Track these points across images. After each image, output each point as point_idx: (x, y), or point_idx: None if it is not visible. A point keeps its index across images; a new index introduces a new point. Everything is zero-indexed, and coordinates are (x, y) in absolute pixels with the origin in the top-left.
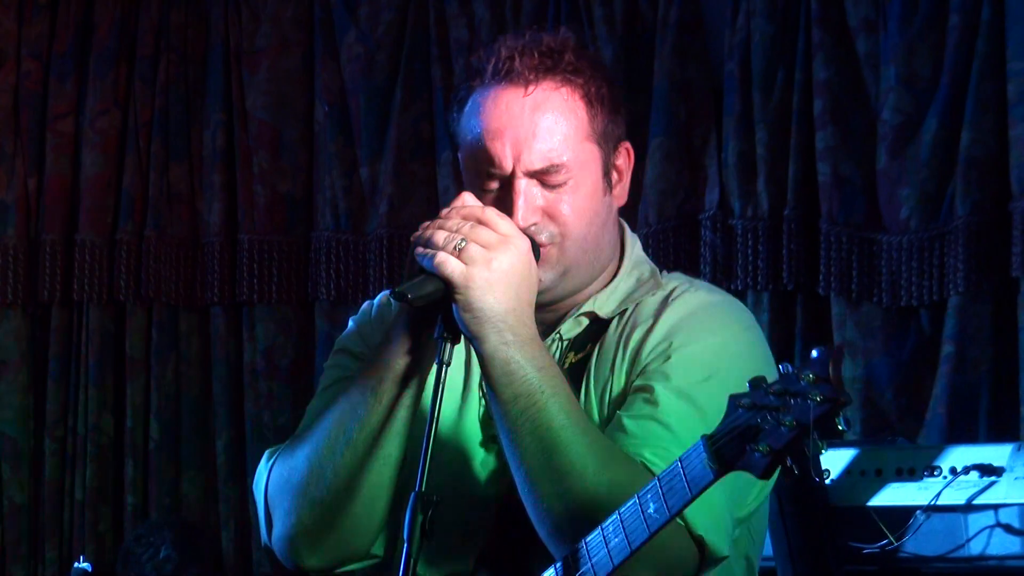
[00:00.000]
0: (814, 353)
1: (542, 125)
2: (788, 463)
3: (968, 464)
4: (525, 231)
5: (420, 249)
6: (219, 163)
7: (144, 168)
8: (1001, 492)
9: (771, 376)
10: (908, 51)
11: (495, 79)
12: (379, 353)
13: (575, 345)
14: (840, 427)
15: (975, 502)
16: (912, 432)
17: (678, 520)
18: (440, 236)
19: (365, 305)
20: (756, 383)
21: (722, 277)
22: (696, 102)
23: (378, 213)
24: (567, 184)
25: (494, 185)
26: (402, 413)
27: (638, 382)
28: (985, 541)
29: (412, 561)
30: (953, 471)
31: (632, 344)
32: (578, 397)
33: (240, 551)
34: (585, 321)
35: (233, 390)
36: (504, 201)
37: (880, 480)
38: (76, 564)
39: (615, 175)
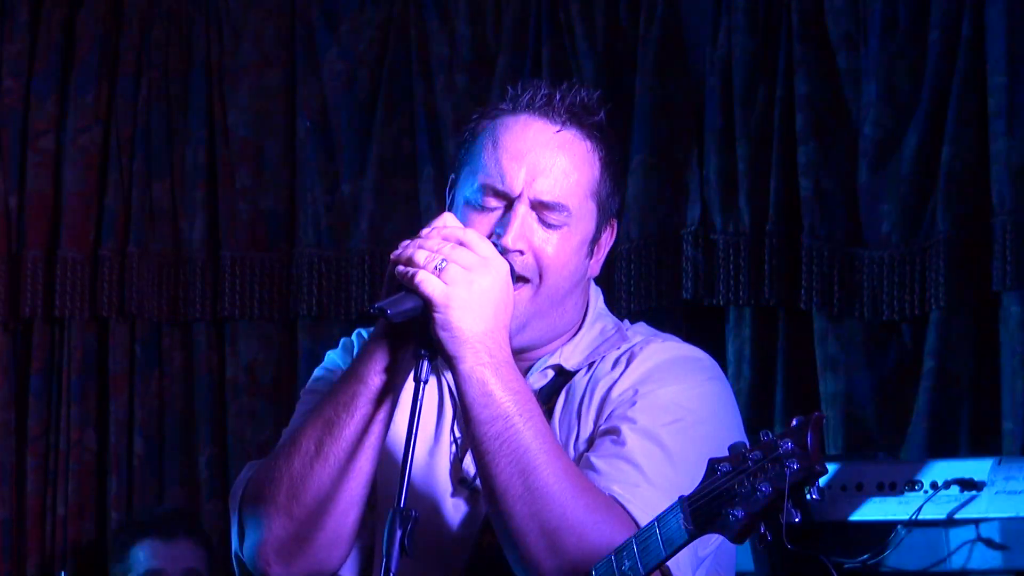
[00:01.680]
0: (793, 421)
1: (562, 163)
2: (762, 529)
3: (949, 479)
4: (504, 255)
5: (401, 268)
6: (201, 179)
7: (126, 185)
8: (982, 506)
9: (736, 428)
10: (889, 66)
11: (529, 108)
12: (354, 369)
13: (540, 397)
14: (814, 496)
15: (956, 516)
16: (893, 447)
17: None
18: (421, 255)
19: (344, 342)
20: (735, 448)
21: (703, 293)
22: (677, 118)
23: (360, 229)
24: (562, 229)
25: (494, 203)
26: (376, 429)
27: (605, 426)
28: (966, 555)
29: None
30: (934, 486)
31: (599, 393)
32: None
33: (223, 566)
34: (551, 373)
35: (216, 406)
36: (499, 222)
37: (861, 495)
38: None
39: (597, 246)
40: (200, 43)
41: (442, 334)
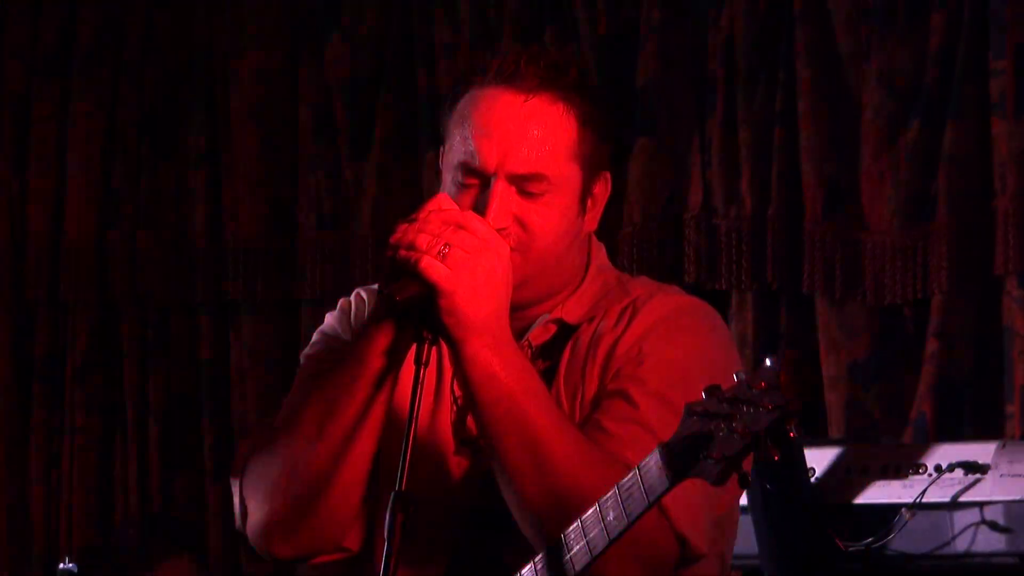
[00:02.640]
0: (767, 361)
1: (533, 133)
2: (742, 471)
3: (953, 462)
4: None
5: (403, 253)
6: (204, 164)
7: (129, 170)
8: (986, 489)
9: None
10: (891, 51)
11: (497, 79)
12: (355, 350)
13: (543, 352)
14: (792, 434)
15: (960, 500)
16: (897, 430)
17: (662, 516)
18: (423, 240)
19: (342, 302)
20: (710, 391)
21: (706, 277)
22: (679, 102)
23: (363, 213)
24: (543, 196)
25: (473, 181)
26: (377, 410)
27: (613, 386)
28: (970, 538)
29: (392, 560)
30: (938, 469)
31: (603, 348)
32: None
33: (227, 550)
34: (553, 328)
35: (220, 390)
36: (479, 200)
37: (865, 478)
38: (62, 565)
39: (591, 201)
40: (202, 27)
41: (448, 319)
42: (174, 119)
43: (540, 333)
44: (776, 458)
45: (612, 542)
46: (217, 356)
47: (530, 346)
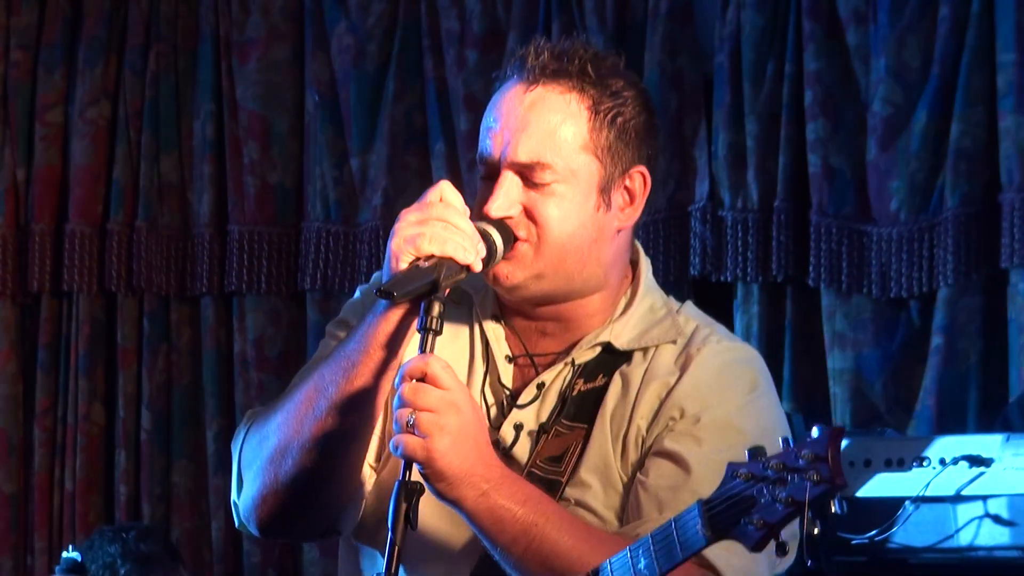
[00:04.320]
0: (815, 432)
1: (534, 122)
2: (780, 539)
3: (957, 455)
4: (503, 220)
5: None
6: (209, 153)
7: (134, 158)
8: (990, 483)
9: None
10: (898, 43)
11: (511, 75)
12: (357, 338)
13: (585, 372)
14: (835, 510)
15: (964, 493)
16: (901, 423)
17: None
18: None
19: (375, 276)
20: (755, 453)
21: (711, 269)
22: (686, 93)
23: (370, 205)
24: (551, 186)
25: (486, 172)
26: (373, 399)
27: (668, 444)
28: (974, 532)
29: (396, 550)
30: (942, 462)
31: (654, 394)
32: (589, 427)
33: (230, 541)
34: (599, 349)
35: (223, 380)
36: (488, 190)
37: (869, 471)
38: (65, 554)
39: (622, 197)
40: (209, 16)
41: (437, 485)
42: (178, 108)
43: (585, 353)
44: (816, 531)
45: None
46: (220, 346)
47: (573, 364)
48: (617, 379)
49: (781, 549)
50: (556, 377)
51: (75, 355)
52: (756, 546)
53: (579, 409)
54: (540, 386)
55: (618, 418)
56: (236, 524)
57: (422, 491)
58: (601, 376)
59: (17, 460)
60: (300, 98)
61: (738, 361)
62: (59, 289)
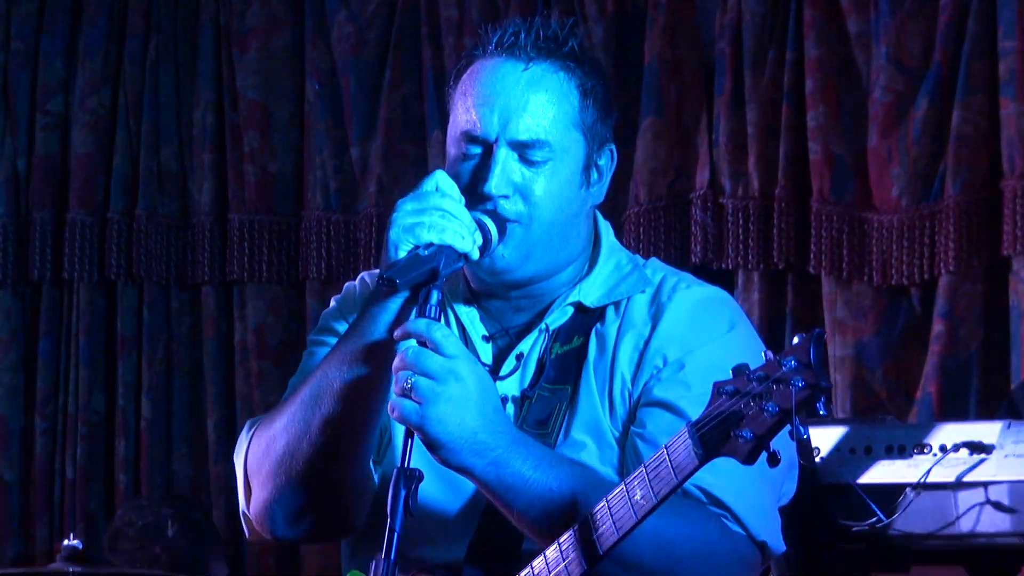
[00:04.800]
0: (796, 339)
1: (534, 100)
2: (772, 449)
3: (958, 442)
4: (494, 203)
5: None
6: (209, 142)
7: (134, 147)
8: (991, 469)
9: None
10: (899, 30)
11: (497, 51)
12: (356, 329)
13: (560, 335)
14: (821, 412)
15: (965, 479)
16: (902, 410)
17: (737, 530)
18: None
19: (348, 286)
20: (739, 370)
21: (712, 256)
22: (687, 81)
23: (368, 193)
24: (546, 165)
25: (476, 150)
26: (379, 389)
27: (658, 393)
28: (975, 518)
29: (395, 536)
30: (943, 449)
31: (632, 345)
32: (574, 387)
33: (231, 529)
34: (570, 310)
35: (224, 369)
36: (481, 169)
37: (870, 458)
38: (66, 542)
39: (596, 173)
40: (209, 5)
41: (436, 453)
42: (179, 98)
43: (558, 316)
44: (805, 437)
45: (640, 521)
46: (220, 335)
47: (547, 330)
48: (594, 339)
49: (773, 459)
50: (532, 345)
51: (75, 344)
52: (748, 458)
53: (559, 371)
54: (519, 356)
55: (601, 375)
56: (247, 535)
57: (421, 478)
58: (576, 337)
59: (18, 448)
60: (300, 87)
61: (710, 301)
62: (60, 278)
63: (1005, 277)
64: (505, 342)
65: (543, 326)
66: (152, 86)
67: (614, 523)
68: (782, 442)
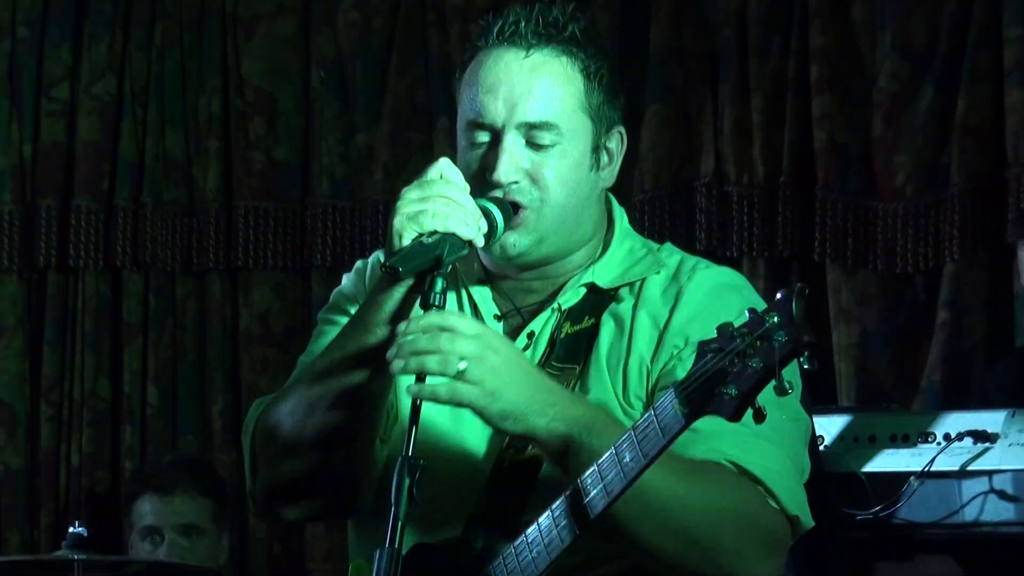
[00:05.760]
0: (778, 295)
1: (538, 85)
2: (757, 405)
3: (962, 430)
4: (505, 189)
5: (413, 387)
6: (215, 129)
7: (140, 134)
8: (995, 458)
9: None
10: (904, 17)
11: (499, 40)
12: (362, 317)
13: (571, 315)
14: (806, 366)
15: (969, 468)
16: (907, 399)
17: (773, 504)
18: (431, 363)
19: (359, 264)
20: (723, 328)
21: (717, 244)
22: (692, 69)
23: (374, 180)
24: (554, 148)
25: (484, 138)
26: (383, 375)
27: (681, 373)
28: (979, 507)
29: (399, 524)
30: (947, 437)
31: (650, 323)
32: (582, 367)
33: (236, 516)
34: (583, 291)
35: (229, 355)
36: (489, 156)
37: (874, 446)
38: (72, 529)
39: (606, 155)
40: None
41: (504, 425)
42: (184, 84)
43: (571, 296)
44: (791, 391)
45: (630, 483)
46: (226, 322)
47: (560, 309)
48: (608, 319)
49: (759, 415)
50: (544, 323)
51: (81, 331)
52: (734, 415)
53: (568, 351)
54: (530, 335)
55: (616, 353)
56: (254, 512)
57: (425, 466)
58: (588, 317)
59: (24, 435)
60: (306, 74)
61: (730, 283)
62: (65, 265)
63: (1009, 265)
64: (517, 321)
65: (555, 305)
66: (158, 73)
67: (604, 488)
68: (787, 416)
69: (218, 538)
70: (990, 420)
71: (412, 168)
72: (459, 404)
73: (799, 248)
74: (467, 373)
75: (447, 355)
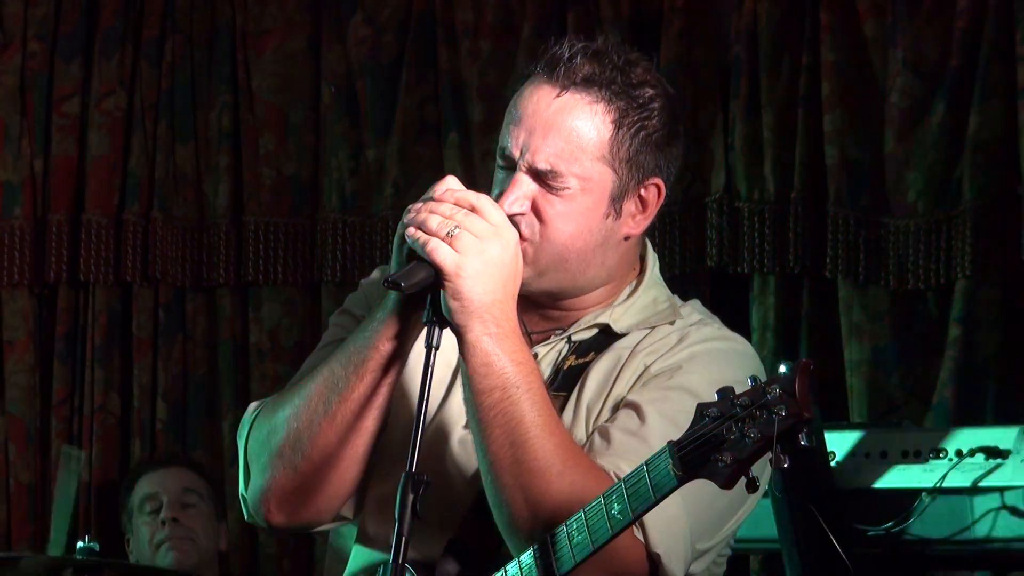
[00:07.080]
0: (782, 368)
1: (556, 129)
2: (751, 475)
3: (974, 447)
4: (509, 219)
5: (411, 231)
6: (225, 144)
7: (150, 149)
8: (1007, 474)
9: None
10: (916, 34)
11: (543, 72)
12: (365, 332)
13: (579, 349)
14: (803, 443)
15: (981, 484)
16: (918, 415)
17: (637, 534)
18: (434, 221)
19: (376, 272)
20: (724, 393)
21: (728, 260)
22: (703, 85)
23: (384, 195)
24: (564, 191)
25: (505, 164)
26: (383, 391)
27: (633, 396)
28: (990, 523)
29: (404, 541)
30: (959, 454)
31: (641, 360)
32: (568, 395)
33: (246, 531)
34: (595, 330)
35: (239, 371)
36: (506, 183)
37: (886, 462)
38: (82, 543)
39: (634, 205)
40: (225, 7)
41: (452, 303)
42: (194, 99)
43: (583, 333)
44: (786, 465)
45: (615, 536)
46: (236, 337)
47: (570, 340)
48: (608, 356)
49: (752, 485)
50: (551, 350)
51: (91, 345)
52: (726, 483)
53: (564, 381)
54: (534, 356)
55: (599, 388)
56: (245, 517)
57: (429, 483)
58: (592, 354)
59: (34, 450)
60: (316, 89)
61: (729, 349)
62: (75, 279)
63: (1021, 281)
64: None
65: (566, 336)
66: (168, 88)
67: (589, 533)
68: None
69: (215, 519)
70: (1002, 436)
71: (422, 184)
72: (431, 261)
73: (810, 264)
74: (456, 240)
75: (451, 218)
